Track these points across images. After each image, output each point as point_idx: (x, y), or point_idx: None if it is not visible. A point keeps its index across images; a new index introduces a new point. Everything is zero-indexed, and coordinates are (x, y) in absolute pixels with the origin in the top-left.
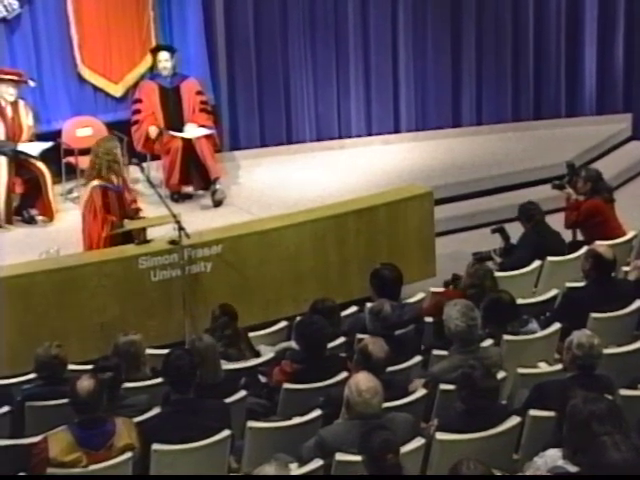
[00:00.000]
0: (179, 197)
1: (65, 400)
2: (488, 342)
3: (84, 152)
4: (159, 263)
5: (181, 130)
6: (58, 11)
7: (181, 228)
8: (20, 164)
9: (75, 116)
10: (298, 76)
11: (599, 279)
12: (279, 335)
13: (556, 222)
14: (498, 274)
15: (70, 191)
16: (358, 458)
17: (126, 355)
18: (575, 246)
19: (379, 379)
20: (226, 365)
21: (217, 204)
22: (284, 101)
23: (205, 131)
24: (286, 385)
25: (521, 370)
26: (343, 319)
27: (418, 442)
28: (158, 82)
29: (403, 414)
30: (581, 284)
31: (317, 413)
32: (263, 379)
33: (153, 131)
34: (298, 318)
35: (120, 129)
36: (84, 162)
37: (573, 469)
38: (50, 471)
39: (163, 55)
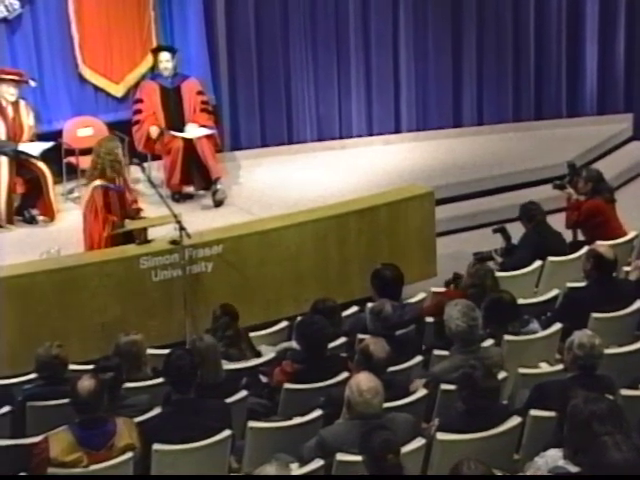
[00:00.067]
0: (180, 197)
1: (66, 400)
2: (489, 342)
3: (85, 152)
4: (160, 263)
5: (182, 130)
6: (59, 11)
7: (182, 228)
8: (21, 164)
9: (76, 116)
10: (299, 76)
11: (600, 279)
12: (280, 335)
13: (557, 222)
14: (499, 274)
15: (71, 191)
16: (359, 458)
17: (127, 355)
18: (576, 246)
19: (380, 379)
20: (227, 365)
21: (218, 204)
22: (285, 101)
23: (206, 131)
24: (287, 385)
25: (522, 370)
26: (344, 319)
27: (419, 442)
28: (159, 82)
29: (404, 414)
30: (582, 284)
31: (318, 413)
32: (264, 379)
33: (154, 131)
34: (299, 318)
35: (121, 129)
36: (85, 162)
37: (574, 469)
38: (51, 471)
39: (164, 56)
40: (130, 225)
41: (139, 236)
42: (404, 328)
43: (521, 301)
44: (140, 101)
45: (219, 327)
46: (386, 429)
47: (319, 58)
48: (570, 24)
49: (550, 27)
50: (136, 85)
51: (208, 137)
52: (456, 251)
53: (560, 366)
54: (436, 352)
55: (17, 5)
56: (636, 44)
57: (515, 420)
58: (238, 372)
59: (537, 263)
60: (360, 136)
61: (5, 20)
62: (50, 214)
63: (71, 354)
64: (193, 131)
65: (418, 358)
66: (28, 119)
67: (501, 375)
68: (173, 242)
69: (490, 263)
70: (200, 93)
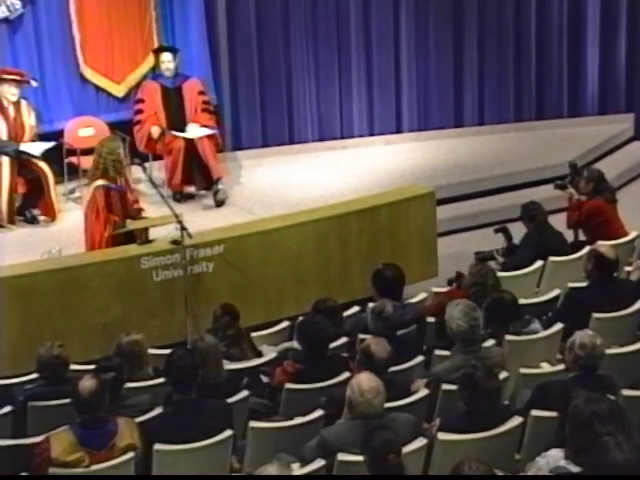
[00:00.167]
0: (181, 197)
1: (67, 400)
2: (490, 342)
3: (86, 152)
4: (161, 263)
5: (183, 130)
6: (60, 11)
7: (183, 228)
8: (22, 164)
9: (77, 116)
10: (300, 76)
11: (601, 279)
12: (281, 335)
13: (558, 222)
14: (500, 274)
15: (72, 191)
16: (360, 458)
17: (129, 355)
18: (577, 246)
19: (381, 379)
20: (228, 365)
21: (219, 204)
22: (286, 101)
23: (207, 131)
24: (288, 385)
25: (523, 370)
26: (345, 319)
27: (420, 442)
28: (160, 82)
29: (405, 414)
30: (583, 284)
31: (319, 413)
32: (265, 379)
33: (155, 131)
34: (300, 318)
35: (122, 129)
36: (86, 162)
37: (575, 469)
38: (52, 471)
39: (166, 56)
40: (131, 225)
41: (140, 236)
42: (405, 328)
43: (522, 301)
44: (141, 101)
45: (220, 327)
46: (387, 429)
47: (320, 57)
48: (572, 25)
49: (552, 28)
50: (137, 85)
51: (209, 137)
52: (457, 251)
53: (561, 366)
54: (437, 352)
55: (18, 5)
56: (637, 45)
57: (516, 420)
58: (239, 372)
59: (538, 263)
60: (361, 136)
61: (6, 20)
62: (51, 214)
63: (72, 354)
64: (194, 131)
65: (419, 358)
66: (29, 119)
67: (502, 375)
68: (174, 242)
69: (491, 263)
70: (201, 93)
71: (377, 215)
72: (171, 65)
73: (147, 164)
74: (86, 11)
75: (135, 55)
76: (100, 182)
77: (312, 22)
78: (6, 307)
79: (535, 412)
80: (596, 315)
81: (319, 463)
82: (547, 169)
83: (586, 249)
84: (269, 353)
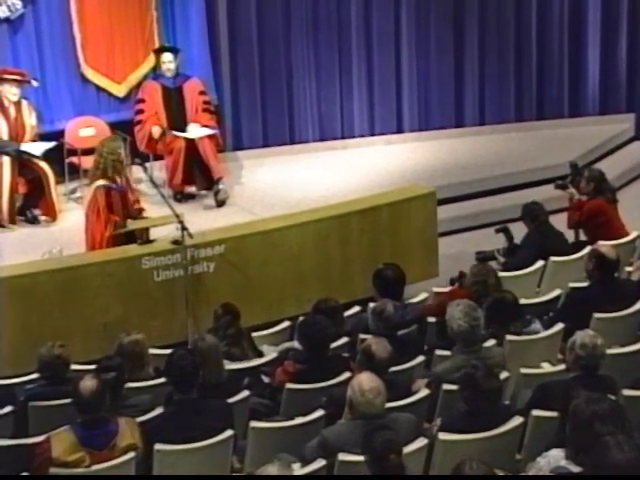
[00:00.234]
0: (182, 197)
1: (68, 400)
2: (491, 342)
3: (87, 152)
4: (162, 263)
5: (184, 130)
6: (61, 11)
7: (184, 228)
8: (23, 164)
9: (78, 116)
10: (301, 76)
11: (602, 279)
12: (282, 335)
13: (559, 222)
14: (501, 274)
15: (73, 191)
16: (361, 458)
17: (130, 355)
18: (578, 246)
19: (382, 379)
20: (229, 365)
21: (220, 204)
22: (287, 101)
23: (208, 131)
24: (289, 385)
25: (524, 370)
26: (346, 319)
27: (421, 442)
28: (161, 82)
29: (406, 414)
30: (584, 284)
31: (320, 413)
32: (266, 379)
33: (156, 131)
34: (301, 318)
35: (123, 129)
36: (87, 162)
37: (576, 469)
38: (53, 471)
39: (167, 57)
40: (132, 225)
41: (141, 236)
42: (406, 328)
43: (523, 301)
44: (142, 101)
45: (221, 326)
46: (388, 429)
47: (321, 58)
48: (572, 24)
49: (552, 27)
50: (138, 85)
51: (210, 137)
52: (458, 251)
53: (562, 366)
54: (438, 352)
55: (19, 5)
56: (638, 44)
57: (517, 420)
58: (240, 372)
59: (539, 263)
60: (362, 136)
61: (7, 20)
62: (52, 214)
63: (73, 354)
64: (195, 131)
65: (420, 358)
66: (30, 119)
67: (503, 375)
68: (175, 242)
69: (492, 263)
70: (202, 93)
71: (378, 215)
72: (172, 65)
73: (148, 164)
74: (87, 11)
75: (136, 55)
76: (101, 182)
77: (313, 22)
78: (7, 307)
79: (536, 412)
80: (597, 315)
81: (320, 463)
82: (548, 169)
83: (587, 249)
84: (270, 353)
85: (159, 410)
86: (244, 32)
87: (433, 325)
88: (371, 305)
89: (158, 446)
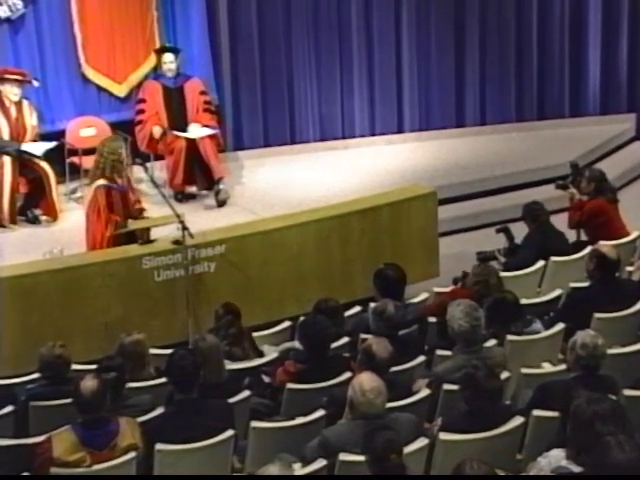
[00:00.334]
0: (183, 197)
1: (69, 400)
2: (492, 342)
3: (88, 152)
4: (163, 263)
5: (185, 130)
6: (62, 11)
7: (185, 228)
8: (24, 164)
9: (79, 116)
10: (302, 76)
11: (603, 279)
12: (282, 335)
13: (560, 222)
14: (502, 274)
15: (74, 191)
16: (361, 458)
17: (131, 355)
18: (579, 246)
19: (383, 379)
20: (230, 365)
21: (221, 204)
22: (288, 101)
23: (209, 131)
24: (290, 385)
25: (525, 370)
26: (346, 319)
27: (421, 442)
28: (162, 82)
29: (406, 414)
30: (585, 284)
31: (320, 413)
32: (267, 379)
33: (157, 131)
34: (301, 318)
35: (124, 129)
36: (88, 162)
37: (577, 469)
38: (54, 471)
39: (168, 57)
40: (133, 225)
41: (142, 236)
42: (407, 328)
43: (524, 301)
44: (143, 101)
45: (222, 325)
46: (389, 429)
47: (322, 58)
48: (573, 24)
49: (553, 27)
50: (139, 85)
51: (211, 137)
52: (459, 251)
53: (563, 366)
54: (439, 352)
55: (20, 5)
56: (639, 45)
57: (518, 420)
58: (241, 372)
59: (540, 263)
60: (363, 136)
61: (8, 20)
62: (53, 214)
63: (74, 354)
64: (196, 131)
65: (421, 358)
66: (31, 119)
67: (504, 375)
68: (176, 242)
69: (493, 263)
70: (203, 93)
71: (378, 215)
72: (173, 65)
73: (149, 164)
74: (88, 11)
75: (137, 55)
76: (101, 182)
77: (314, 22)
78: (8, 307)
79: (536, 412)
80: (598, 315)
81: (320, 463)
82: (548, 169)
83: (588, 249)
84: (270, 353)
85: (160, 410)
86: (245, 31)
87: (434, 325)
88: (372, 305)
89: (159, 446)
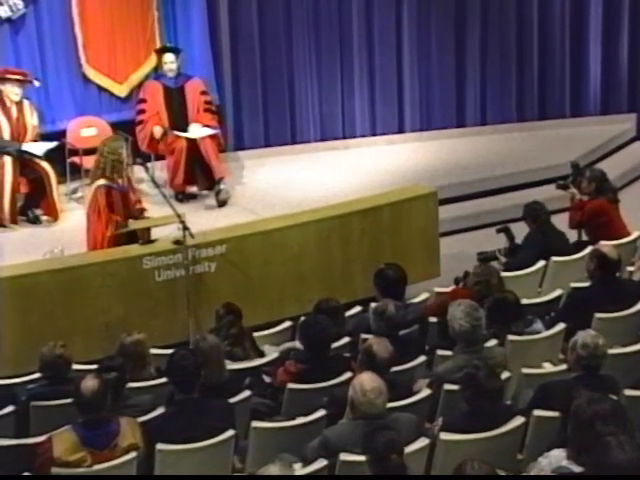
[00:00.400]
0: (183, 197)
1: (69, 400)
2: (492, 342)
3: (88, 152)
4: (163, 263)
5: (185, 130)
6: (63, 11)
7: (185, 228)
8: (25, 164)
9: (79, 116)
10: (302, 76)
11: (604, 279)
12: (283, 335)
13: (560, 222)
14: (503, 274)
15: (74, 191)
16: (362, 458)
17: (132, 355)
18: (580, 246)
19: (383, 379)
20: (230, 365)
21: (221, 204)
22: (288, 101)
23: (209, 131)
24: (290, 385)
25: (525, 370)
26: (347, 319)
27: (422, 442)
28: (163, 82)
29: (407, 414)
30: (586, 284)
31: (321, 413)
32: (267, 379)
33: (158, 131)
34: (302, 318)
35: (124, 129)
36: (88, 162)
37: (577, 469)
38: (54, 471)
39: (169, 57)
40: (133, 225)
41: (142, 236)
42: (407, 328)
43: (525, 301)
44: (144, 101)
45: (223, 325)
46: (389, 429)
47: (322, 58)
48: (574, 25)
49: (554, 28)
50: (140, 85)
51: (211, 137)
52: (459, 251)
53: (564, 366)
54: (439, 352)
55: (21, 5)
56: None
57: (519, 420)
58: (241, 372)
59: (541, 263)
60: (363, 136)
61: (9, 20)
62: (54, 214)
63: (75, 354)
64: (196, 131)
65: (421, 358)
66: (32, 119)
67: (504, 375)
68: (176, 242)
69: (494, 263)
70: (203, 93)
71: (379, 215)
72: (174, 66)
73: (149, 164)
74: (88, 11)
75: (137, 55)
76: (102, 182)
77: (314, 22)
78: (8, 307)
79: (537, 412)
80: (598, 315)
81: (321, 463)
82: (549, 169)
83: (588, 249)
84: (271, 353)
85: (160, 410)
86: (245, 31)
87: (434, 325)
88: (372, 305)
89: (159, 446)
